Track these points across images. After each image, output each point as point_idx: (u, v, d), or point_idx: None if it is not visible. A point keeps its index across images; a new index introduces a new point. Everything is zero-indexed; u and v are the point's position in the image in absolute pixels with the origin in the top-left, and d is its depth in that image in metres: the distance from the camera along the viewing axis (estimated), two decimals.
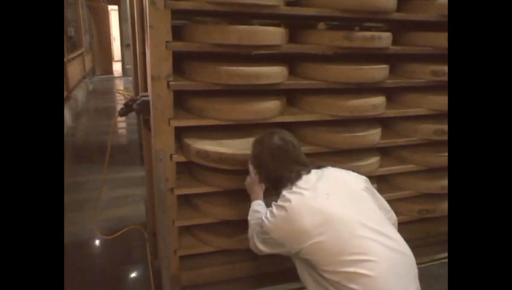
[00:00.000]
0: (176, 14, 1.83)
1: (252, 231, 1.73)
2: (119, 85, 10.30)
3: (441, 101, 2.30)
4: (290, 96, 2.21)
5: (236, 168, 1.90)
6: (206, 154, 1.88)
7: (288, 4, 1.94)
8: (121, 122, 6.26)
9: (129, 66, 9.44)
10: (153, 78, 1.81)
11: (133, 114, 2.41)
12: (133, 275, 2.60)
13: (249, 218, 1.81)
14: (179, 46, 1.82)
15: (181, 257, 2.16)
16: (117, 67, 12.43)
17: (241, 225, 2.17)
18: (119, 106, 7.68)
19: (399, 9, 2.10)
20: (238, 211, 2.06)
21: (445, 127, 2.33)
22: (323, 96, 2.11)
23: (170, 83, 1.82)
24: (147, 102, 2.09)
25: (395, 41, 2.19)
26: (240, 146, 1.93)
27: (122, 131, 6.12)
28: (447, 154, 2.42)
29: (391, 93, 2.39)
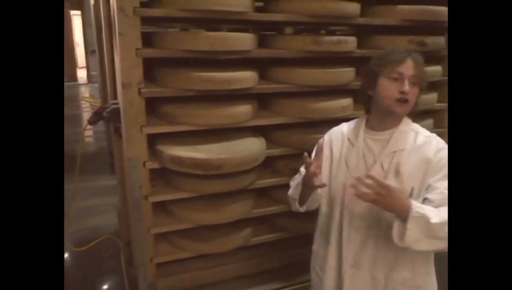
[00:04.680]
0: (146, 20, 1.83)
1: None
2: (85, 92, 10.05)
3: None
4: (262, 100, 2.24)
5: (211, 173, 1.91)
6: (180, 160, 1.88)
7: (256, 10, 1.98)
8: (88, 131, 6.11)
9: (95, 73, 9.22)
10: (123, 86, 1.79)
11: (100, 122, 2.38)
12: (107, 286, 2.55)
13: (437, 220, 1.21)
14: (150, 53, 1.82)
15: (158, 264, 2.15)
16: (81, 74, 12.11)
17: (219, 228, 2.18)
18: (86, 114, 7.46)
19: (363, 14, 2.18)
20: (215, 215, 2.07)
21: None
22: (293, 99, 2.16)
23: (142, 90, 1.82)
24: (118, 109, 2.07)
25: (359, 45, 2.27)
26: (214, 151, 1.94)
27: (89, 139, 5.97)
28: None
29: (358, 95, 2.47)
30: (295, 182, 1.61)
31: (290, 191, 1.63)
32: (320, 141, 1.52)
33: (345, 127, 1.58)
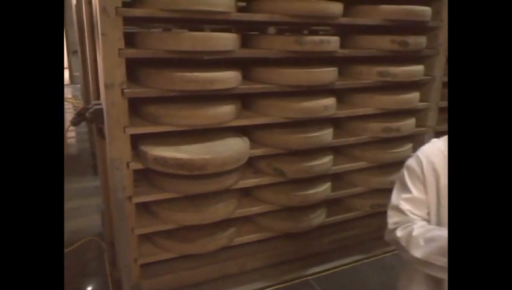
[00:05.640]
0: (128, 21, 1.82)
1: None
2: (67, 93, 9.87)
3: (388, 100, 2.44)
4: (245, 100, 2.25)
5: (194, 173, 1.91)
6: (163, 161, 1.88)
7: (239, 10, 1.98)
8: (71, 132, 6.01)
9: (77, 73, 9.09)
10: (106, 86, 1.78)
11: (82, 122, 2.35)
12: (91, 287, 2.52)
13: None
14: (132, 53, 1.81)
15: (142, 265, 2.14)
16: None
17: (202, 229, 2.18)
18: (69, 115, 7.34)
19: (345, 14, 2.20)
20: (199, 215, 2.07)
21: (392, 124, 2.47)
22: (276, 99, 2.17)
23: (124, 90, 1.81)
24: (101, 110, 2.05)
25: (342, 45, 2.29)
26: (197, 151, 1.94)
27: (71, 140, 5.88)
28: (395, 150, 2.57)
29: (341, 95, 2.50)
30: (429, 241, 1.14)
31: (427, 255, 1.14)
32: (413, 163, 1.27)
33: (441, 145, 1.27)
